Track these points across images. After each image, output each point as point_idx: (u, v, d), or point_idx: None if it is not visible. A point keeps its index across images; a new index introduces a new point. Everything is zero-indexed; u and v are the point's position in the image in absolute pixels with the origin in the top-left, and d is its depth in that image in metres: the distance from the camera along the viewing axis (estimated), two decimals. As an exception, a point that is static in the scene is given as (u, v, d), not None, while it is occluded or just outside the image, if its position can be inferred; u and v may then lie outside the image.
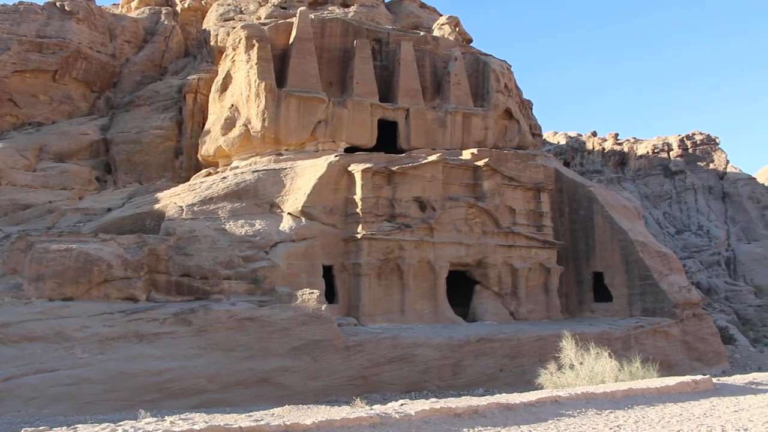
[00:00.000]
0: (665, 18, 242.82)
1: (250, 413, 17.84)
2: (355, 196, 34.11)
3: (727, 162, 73.65)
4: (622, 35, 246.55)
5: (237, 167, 37.78)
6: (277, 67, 38.39)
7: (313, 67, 38.82)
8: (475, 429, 13.37)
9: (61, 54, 44.25)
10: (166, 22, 51.52)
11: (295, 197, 33.76)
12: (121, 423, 12.10)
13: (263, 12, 46.57)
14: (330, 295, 32.23)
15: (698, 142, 74.87)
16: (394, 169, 35.01)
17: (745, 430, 13.88)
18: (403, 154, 37.98)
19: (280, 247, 31.62)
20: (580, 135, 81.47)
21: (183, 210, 32.59)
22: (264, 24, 40.95)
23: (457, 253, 36.04)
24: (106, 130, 44.02)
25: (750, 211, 67.03)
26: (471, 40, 49.86)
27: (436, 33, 47.53)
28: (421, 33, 45.32)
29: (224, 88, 40.45)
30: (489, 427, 13.56)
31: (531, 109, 54.90)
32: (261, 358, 26.43)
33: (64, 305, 26.02)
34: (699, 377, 20.69)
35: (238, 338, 26.47)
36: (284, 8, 46.64)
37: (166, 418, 13.91)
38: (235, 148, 38.59)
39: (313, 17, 40.82)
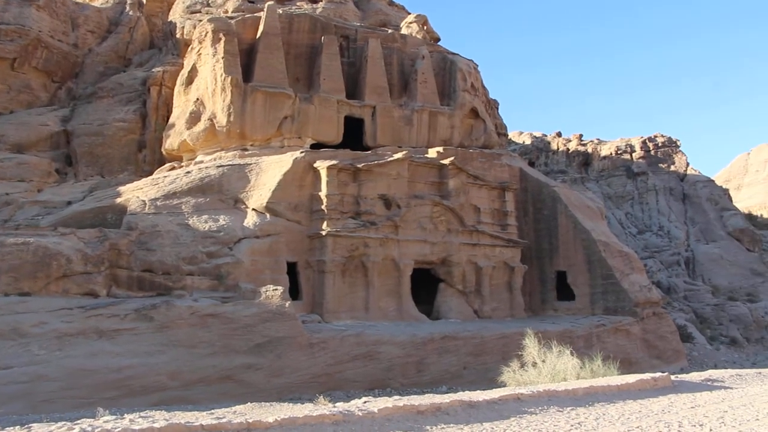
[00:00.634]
0: (628, 22, 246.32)
1: (212, 411, 17.66)
2: (320, 193, 33.97)
3: (688, 164, 74.96)
4: (587, 38, 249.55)
5: (201, 162, 37.38)
6: (244, 61, 38.05)
7: (280, 62, 38.55)
8: (438, 426, 13.40)
9: (20, 42, 43.18)
10: (131, 13, 50.66)
11: (259, 193, 33.51)
12: (78, 421, 11.88)
13: (230, 5, 46.10)
14: (294, 292, 32.06)
15: (660, 144, 76.06)
16: (359, 166, 34.94)
17: (701, 425, 14.13)
18: (369, 152, 37.95)
19: (244, 243, 31.35)
20: (545, 135, 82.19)
21: (146, 204, 32.12)
22: (231, 18, 40.57)
23: (422, 251, 36.12)
24: (67, 121, 43.14)
25: (709, 212, 68.31)
26: (438, 39, 49.95)
27: (404, 31, 47.51)
28: (389, 31, 45.29)
29: (190, 81, 39.97)
30: (452, 425, 13.60)
31: (497, 108, 55.18)
32: (224, 355, 26.18)
33: (21, 300, 25.41)
34: (658, 375, 21.04)
35: (200, 335, 26.16)
36: (252, 2, 46.22)
37: (126, 416, 13.69)
38: (200, 143, 38.17)
39: (280, 12, 40.53)
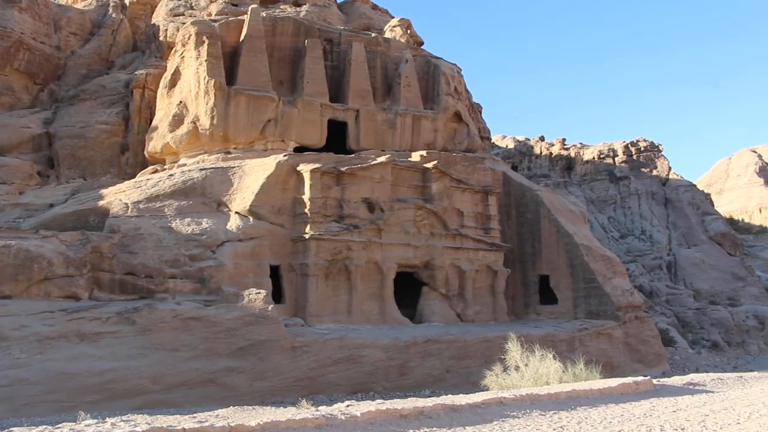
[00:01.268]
0: (611, 27, 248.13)
1: (194, 414, 17.60)
2: (303, 196, 33.92)
3: (670, 169, 75.63)
4: (570, 43, 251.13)
5: (184, 165, 37.21)
6: (227, 64, 37.95)
7: (263, 65, 38.48)
8: (421, 430, 13.43)
9: (2, 44, 42.79)
10: (114, 15, 50.36)
11: (243, 196, 33.41)
12: (59, 425, 11.82)
13: (214, 8, 45.96)
14: (277, 296, 31.97)
15: (642, 149, 76.69)
16: (343, 169, 34.94)
17: (683, 429, 14.25)
18: (353, 155, 37.93)
19: (227, 247, 31.24)
20: (528, 139, 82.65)
21: (128, 207, 31.92)
22: (215, 21, 40.45)
23: (405, 255, 36.15)
24: (50, 123, 42.78)
25: (690, 216, 68.94)
26: (422, 43, 50.08)
27: (387, 35, 47.59)
28: (373, 34, 45.34)
29: (173, 84, 39.78)
30: (435, 428, 13.63)
31: (480, 112, 55.41)
32: (206, 358, 26.08)
33: (2, 303, 25.16)
34: (640, 379, 21.21)
35: (182, 338, 26.05)
36: (235, 5, 46.10)
37: (107, 419, 13.61)
38: (183, 146, 38.01)
39: (264, 15, 40.46)
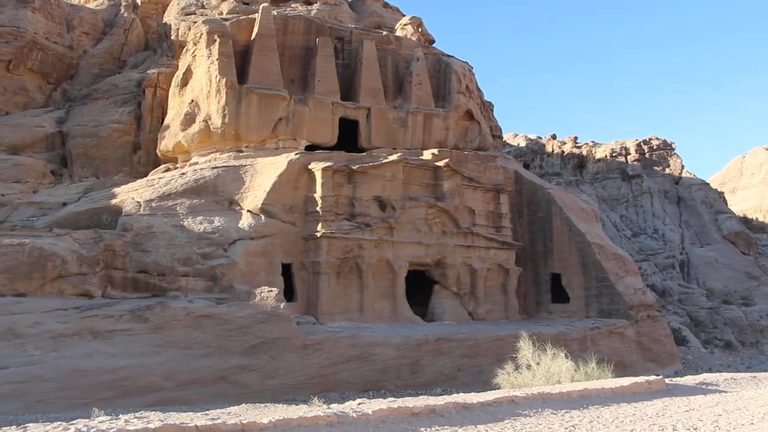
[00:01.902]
0: (624, 26, 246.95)
1: (207, 412, 17.63)
2: (315, 195, 33.98)
3: (683, 167, 75.20)
4: (582, 41, 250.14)
5: (196, 163, 37.35)
6: (239, 63, 38.06)
7: (274, 64, 38.57)
8: (433, 428, 13.43)
9: (16, 44, 43.11)
10: (125, 15, 50.61)
11: (254, 194, 33.50)
12: (73, 422, 11.88)
13: (225, 7, 46.10)
14: (289, 294, 32.05)
15: (655, 147, 76.29)
16: (354, 168, 34.96)
17: (695, 429, 14.18)
18: (364, 153, 37.97)
19: (239, 245, 31.35)
20: (540, 138, 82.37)
21: (141, 206, 32.10)
22: (226, 19, 40.56)
23: (417, 253, 36.15)
24: (63, 122, 43.07)
25: (703, 215, 68.53)
26: (433, 41, 50.03)
27: (398, 33, 47.57)
28: (384, 32, 45.34)
29: (184, 83, 39.94)
30: (446, 427, 13.63)
31: (492, 110, 55.31)
32: (218, 356, 26.19)
33: (16, 301, 25.38)
34: (652, 378, 21.11)
35: (195, 336, 26.17)
36: (246, 4, 46.23)
37: (121, 416, 13.67)
38: (195, 144, 38.15)
39: (275, 14, 40.54)
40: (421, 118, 42.08)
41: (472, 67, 47.02)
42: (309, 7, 47.26)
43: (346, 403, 15.37)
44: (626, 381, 20.41)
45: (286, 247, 33.04)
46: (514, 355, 24.25)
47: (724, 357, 46.22)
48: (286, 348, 27.49)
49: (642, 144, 76.42)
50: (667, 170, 74.52)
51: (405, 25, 48.81)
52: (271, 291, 28.82)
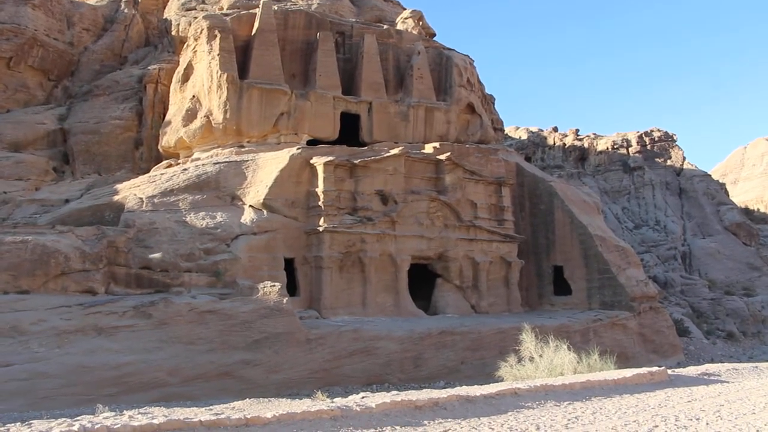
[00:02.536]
0: (625, 18, 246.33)
1: (211, 407, 17.74)
2: (317, 189, 34.01)
3: (684, 159, 75.08)
4: (583, 34, 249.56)
5: (198, 159, 37.40)
6: (240, 58, 38.05)
7: (275, 59, 38.56)
8: (436, 421, 13.49)
9: (16, 41, 43.14)
10: (126, 11, 50.60)
11: (256, 189, 33.55)
12: (78, 418, 11.95)
13: (225, 2, 46.04)
14: (291, 288, 32.11)
15: (656, 139, 76.15)
16: (356, 162, 34.98)
17: (697, 419, 14.23)
18: (366, 148, 37.97)
19: (242, 240, 31.41)
20: (542, 130, 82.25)
21: (143, 202, 32.16)
22: (226, 15, 40.53)
23: (419, 247, 36.18)
24: (64, 119, 43.11)
25: (705, 206, 68.46)
26: (434, 35, 49.94)
27: (399, 26, 47.50)
28: (385, 26, 45.28)
29: (185, 78, 39.95)
30: (449, 420, 13.69)
31: (493, 103, 55.28)
32: (222, 351, 26.27)
33: (20, 298, 25.48)
34: (654, 369, 21.16)
35: (198, 331, 26.25)
36: (247, -1, 46.16)
37: (125, 412, 13.76)
38: (197, 140, 38.18)
39: (276, 9, 40.49)
40: (423, 112, 42.07)
41: (473, 61, 46.98)
42: (309, 2, 47.17)
43: (350, 397, 15.43)
44: (629, 372, 20.46)
45: (288, 241, 33.09)
46: (517, 348, 24.30)
47: (726, 348, 46.26)
48: (289, 343, 27.57)
49: (643, 136, 76.29)
50: (669, 162, 74.42)
51: (406, 18, 48.74)
52: (274, 286, 28.87)
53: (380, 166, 35.78)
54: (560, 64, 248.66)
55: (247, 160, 35.14)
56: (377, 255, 34.50)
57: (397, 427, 12.81)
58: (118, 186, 35.13)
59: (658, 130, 77.18)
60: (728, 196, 73.81)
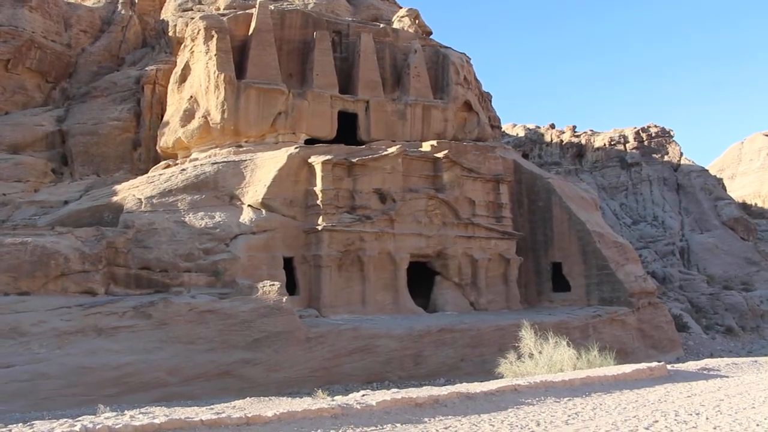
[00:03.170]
0: (621, 15, 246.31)
1: (212, 406, 17.80)
2: (315, 188, 34.05)
3: (681, 154, 75.14)
4: (579, 32, 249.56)
5: (196, 159, 37.42)
6: (237, 58, 38.07)
7: (272, 58, 38.57)
8: (436, 418, 13.54)
9: (14, 43, 43.13)
10: (123, 12, 50.60)
11: (255, 189, 33.58)
12: (79, 418, 11.99)
13: (222, 2, 46.04)
14: (291, 287, 32.16)
15: (653, 135, 76.21)
16: (354, 160, 35.02)
17: (697, 414, 14.28)
18: (364, 146, 38.00)
19: (241, 240, 31.45)
20: (539, 127, 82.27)
21: (142, 202, 32.19)
22: (223, 15, 40.53)
23: (418, 245, 36.23)
24: (62, 121, 43.12)
25: (703, 202, 68.55)
26: (431, 33, 49.95)
27: (395, 25, 47.51)
28: (381, 25, 45.29)
29: (183, 79, 39.97)
30: (450, 417, 13.74)
31: (490, 101, 55.27)
32: (222, 350, 26.32)
33: (20, 300, 25.52)
34: (654, 364, 21.21)
35: (198, 331, 26.29)
36: (243, -1, 46.15)
37: (126, 412, 13.82)
38: (195, 140, 38.20)
39: (272, 8, 40.51)
40: (420, 110, 42.10)
41: (469, 58, 47.01)
42: (306, 1, 47.16)
43: (350, 395, 15.48)
44: (628, 368, 20.51)
45: (287, 240, 33.13)
46: (517, 345, 24.35)
47: (726, 342, 46.34)
48: (289, 341, 27.61)
49: (640, 132, 76.34)
50: (666, 158, 74.48)
51: (402, 17, 48.75)
52: (273, 285, 28.91)
53: (378, 164, 35.83)
54: (556, 61, 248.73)
55: (246, 160, 35.17)
56: (376, 253, 34.55)
57: (398, 425, 12.86)
58: (117, 187, 35.15)
59: (655, 126, 77.24)
60: (726, 191, 73.91)
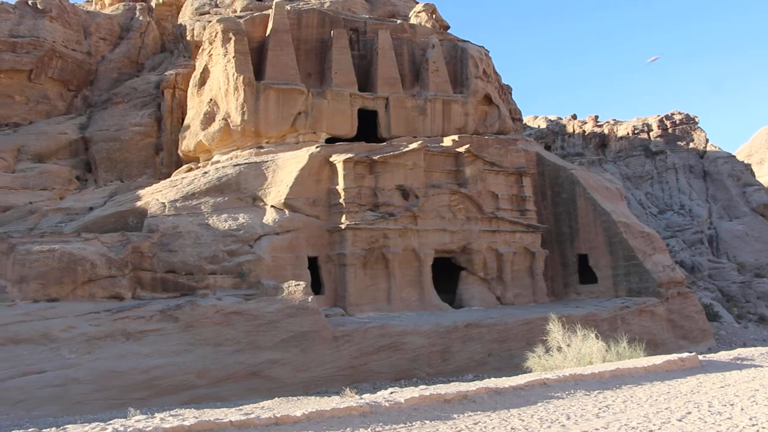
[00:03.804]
0: (643, 4, 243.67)
1: (240, 407, 17.85)
2: (337, 187, 34.05)
3: (707, 141, 74.09)
4: (599, 21, 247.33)
5: (218, 161, 37.60)
6: (255, 60, 38.19)
7: (290, 58, 38.64)
8: (466, 414, 13.44)
9: (36, 53, 43.69)
10: (141, 18, 51.05)
11: (277, 190, 33.65)
12: (110, 422, 12.07)
13: (239, 5, 46.24)
14: (316, 287, 32.21)
15: (677, 122, 75.23)
16: (375, 158, 34.96)
17: (732, 405, 14.04)
18: (384, 143, 37.94)
19: (265, 240, 31.54)
20: (560, 118, 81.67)
21: (165, 206, 32.40)
22: (240, 17, 40.71)
23: (442, 240, 36.10)
24: (85, 128, 43.63)
25: (731, 188, 67.53)
26: (448, 27, 49.77)
27: (412, 21, 47.40)
28: (398, 21, 45.20)
29: (202, 82, 40.19)
30: (479, 412, 13.64)
31: (510, 94, 54.96)
32: (249, 351, 26.41)
33: (50, 306, 25.83)
34: (685, 355, 20.91)
35: (225, 333, 26.41)
36: (260, 0, 46.33)
37: (156, 415, 13.89)
38: (216, 143, 38.39)
39: (289, 8, 40.58)
40: (440, 105, 41.94)
41: (488, 51, 46.75)
42: (322, 0, 47.24)
43: (378, 393, 15.43)
44: (659, 359, 20.24)
45: (311, 240, 33.17)
46: (544, 338, 24.18)
47: (759, 331, 45.63)
48: (316, 341, 27.65)
49: (664, 119, 75.41)
50: (691, 145, 73.48)
51: (419, 12, 48.61)
52: (298, 285, 28.96)
53: (400, 161, 35.74)
54: (577, 51, 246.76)
55: (267, 161, 35.26)
56: (400, 250, 34.48)
57: (427, 422, 12.78)
58: (141, 192, 35.44)
59: (679, 113, 76.25)
60: (755, 176, 72.70)
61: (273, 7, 39.64)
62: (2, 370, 22.92)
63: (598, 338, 22.63)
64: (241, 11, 44.62)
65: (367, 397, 14.51)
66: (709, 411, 13.41)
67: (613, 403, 14.43)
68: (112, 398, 23.45)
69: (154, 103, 44.22)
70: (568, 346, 22.69)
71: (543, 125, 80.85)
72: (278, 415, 12.22)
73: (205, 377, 25.29)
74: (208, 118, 38.62)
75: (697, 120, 75.77)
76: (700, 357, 21.85)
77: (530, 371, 22.08)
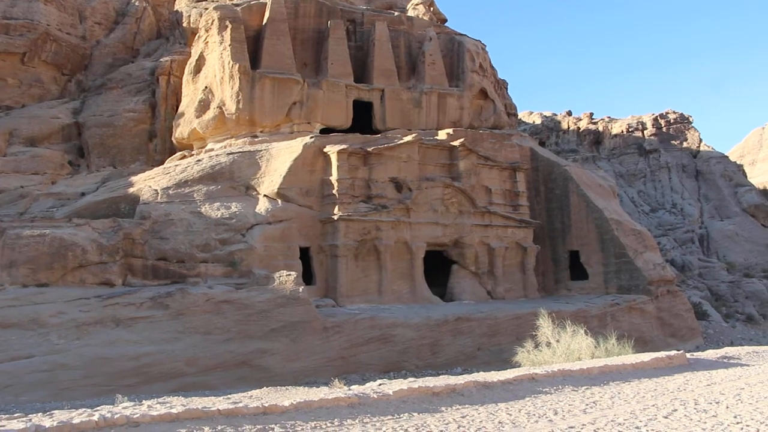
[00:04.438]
0: (640, 4, 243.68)
1: (229, 396, 17.81)
2: (331, 178, 34.01)
3: (700, 140, 74.28)
4: (596, 18, 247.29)
5: (212, 150, 37.48)
6: (251, 48, 38.02)
7: (287, 48, 38.49)
8: (454, 408, 13.47)
9: (29, 36, 43.35)
10: (137, 3, 50.71)
11: (270, 179, 33.59)
12: (98, 408, 12.04)
13: (236, -8, 45.95)
14: (307, 277, 32.19)
15: (672, 121, 75.40)
16: (369, 149, 34.92)
17: (717, 403, 14.12)
18: (379, 135, 37.90)
19: (257, 230, 31.49)
20: (556, 115, 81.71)
21: (158, 193, 32.29)
22: (237, 5, 40.46)
23: (434, 233, 36.12)
24: (78, 113, 43.35)
25: (722, 188, 67.78)
26: (445, 20, 49.66)
27: (410, 13, 47.30)
28: (396, 13, 45.08)
29: (198, 70, 40.00)
30: (467, 406, 13.67)
31: (506, 88, 54.90)
32: (239, 340, 26.41)
33: (39, 291, 25.75)
34: (673, 353, 21.02)
35: (216, 321, 26.40)
36: (257, -12, 46.03)
37: (144, 402, 13.84)
38: (210, 131, 38.25)
39: (286, -3, 40.36)
40: (435, 98, 41.89)
41: (485, 46, 46.68)
42: (319, -10, 46.98)
43: (367, 385, 15.44)
44: (647, 356, 20.33)
45: (303, 230, 33.14)
46: (534, 333, 24.24)
47: (746, 330, 45.88)
48: (306, 331, 27.66)
49: (659, 118, 75.56)
50: (685, 144, 73.66)
51: (416, 4, 48.51)
52: (289, 275, 28.95)
53: (394, 153, 35.71)
54: (573, 48, 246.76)
55: (261, 150, 35.17)
56: (392, 242, 34.49)
57: (415, 414, 12.80)
58: (133, 178, 35.30)
59: (674, 112, 76.41)
60: (746, 177, 72.97)
61: (270, -5, 39.42)
62: (-10, 354, 22.86)
63: (587, 334, 22.69)
64: (237, -1, 44.36)
65: (356, 389, 14.51)
66: (695, 408, 13.48)
67: (600, 399, 14.48)
68: (100, 385, 23.43)
69: (149, 89, 44.00)
70: (558, 341, 22.76)
71: (538, 121, 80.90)
72: (266, 405, 12.21)
73: (195, 365, 25.28)
74: (203, 106, 38.46)
75: (691, 119, 75.96)
76: (688, 355, 21.97)
77: (519, 366, 22.15)
